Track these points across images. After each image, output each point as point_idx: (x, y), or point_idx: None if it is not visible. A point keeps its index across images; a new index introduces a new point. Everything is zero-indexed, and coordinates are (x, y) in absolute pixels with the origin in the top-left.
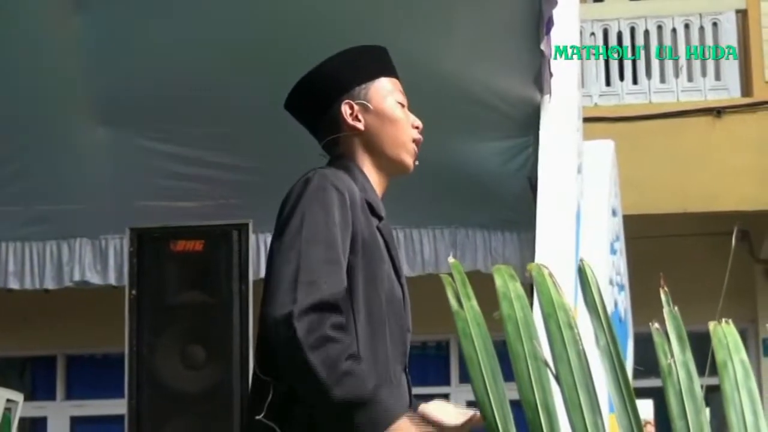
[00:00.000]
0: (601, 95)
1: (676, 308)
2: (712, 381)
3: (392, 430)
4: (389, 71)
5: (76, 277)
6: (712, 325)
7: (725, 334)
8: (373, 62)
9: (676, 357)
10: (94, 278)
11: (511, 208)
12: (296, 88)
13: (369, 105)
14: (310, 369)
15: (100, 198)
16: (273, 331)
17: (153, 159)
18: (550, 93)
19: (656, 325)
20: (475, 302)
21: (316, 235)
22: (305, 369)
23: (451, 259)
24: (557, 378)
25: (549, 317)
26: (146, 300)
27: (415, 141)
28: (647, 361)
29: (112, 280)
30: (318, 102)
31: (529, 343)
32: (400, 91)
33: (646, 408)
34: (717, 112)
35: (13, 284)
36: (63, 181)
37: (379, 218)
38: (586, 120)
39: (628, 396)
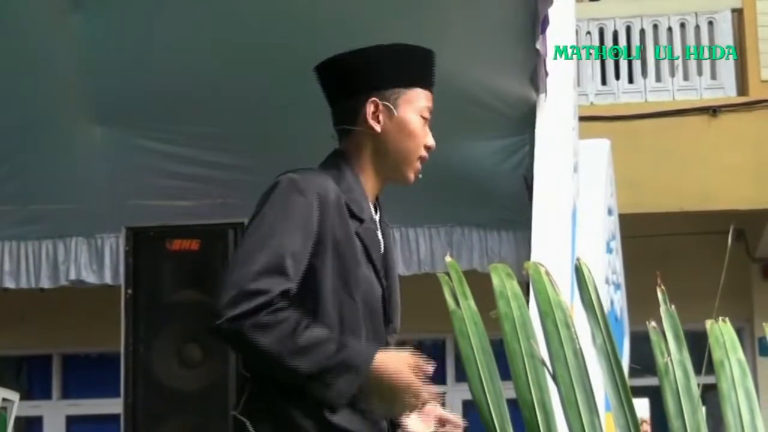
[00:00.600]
0: (597, 94)
1: (673, 307)
2: (709, 380)
3: (376, 370)
4: (427, 82)
5: (72, 276)
6: (709, 323)
7: (722, 332)
8: (416, 68)
9: (673, 356)
10: (90, 277)
11: (507, 207)
12: (335, 61)
13: (395, 111)
14: (268, 354)
15: (96, 197)
16: (216, 331)
17: (149, 158)
18: (545, 92)
19: (653, 323)
20: (472, 301)
21: (263, 243)
22: (265, 355)
23: (448, 258)
24: (554, 377)
25: (546, 316)
26: (142, 299)
27: (422, 159)
28: (643, 359)
29: (108, 279)
30: (348, 86)
31: (526, 341)
32: (429, 106)
33: (642, 407)
34: (713, 111)
35: (9, 283)
36: (59, 180)
37: (360, 221)
38: (582, 119)
39: (624, 394)
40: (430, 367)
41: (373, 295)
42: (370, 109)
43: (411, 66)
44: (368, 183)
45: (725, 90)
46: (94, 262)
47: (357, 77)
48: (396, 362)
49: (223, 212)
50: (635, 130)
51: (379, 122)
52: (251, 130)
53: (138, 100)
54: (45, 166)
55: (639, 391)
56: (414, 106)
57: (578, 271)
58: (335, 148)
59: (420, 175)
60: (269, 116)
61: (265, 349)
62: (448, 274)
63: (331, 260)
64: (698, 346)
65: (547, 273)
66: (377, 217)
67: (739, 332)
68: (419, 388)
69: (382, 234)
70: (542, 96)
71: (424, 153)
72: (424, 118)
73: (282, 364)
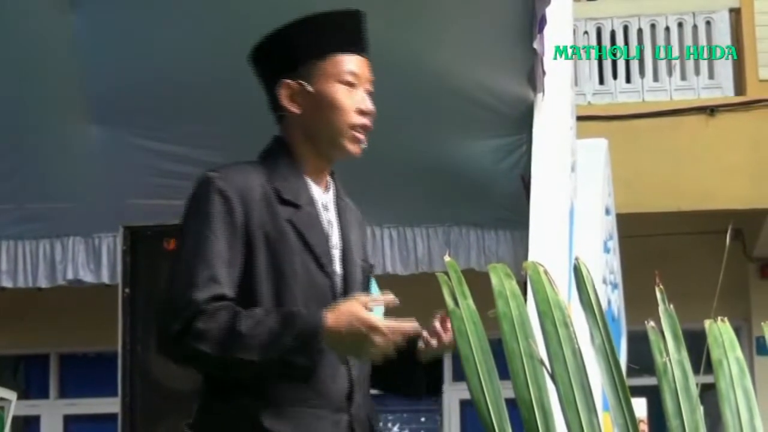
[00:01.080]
0: (594, 93)
1: (671, 307)
2: (707, 379)
3: (329, 330)
4: (346, 45)
5: (69, 276)
6: (707, 323)
7: (721, 332)
8: (331, 35)
9: (672, 356)
10: (88, 276)
11: (505, 206)
12: (254, 51)
13: (309, 88)
14: (218, 358)
15: (93, 196)
16: (165, 355)
17: (146, 157)
18: (543, 91)
19: (652, 323)
20: (471, 301)
21: (191, 257)
22: (216, 361)
23: (447, 258)
24: (553, 376)
25: (545, 316)
26: (140, 298)
27: (359, 126)
28: (640, 359)
29: (105, 278)
30: (266, 73)
31: (525, 341)
32: (354, 71)
33: (639, 406)
34: (710, 110)
35: (6, 283)
36: (56, 180)
37: (296, 206)
38: (580, 118)
39: (623, 394)
40: (384, 298)
41: (315, 288)
42: (283, 92)
43: (323, 35)
44: (309, 165)
45: (723, 90)
46: (92, 261)
47: (270, 62)
48: (347, 313)
49: None
50: (633, 130)
51: (296, 103)
52: (247, 129)
53: (134, 100)
54: (41, 165)
55: (636, 391)
56: (332, 75)
57: (577, 271)
58: (272, 139)
59: (364, 145)
60: (266, 116)
61: (212, 356)
62: (446, 273)
63: (265, 257)
64: (695, 345)
65: (546, 273)
66: (329, 197)
67: (736, 331)
68: (381, 329)
69: (339, 212)
70: (540, 95)
71: (357, 120)
72: (349, 83)
73: (236, 362)
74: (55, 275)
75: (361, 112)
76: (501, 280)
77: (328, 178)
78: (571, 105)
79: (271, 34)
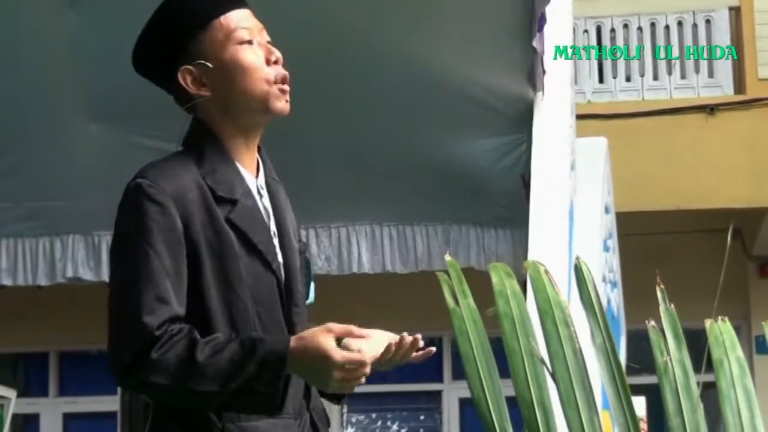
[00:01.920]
0: (594, 92)
1: (672, 306)
2: (707, 378)
3: (294, 360)
4: (222, 4)
5: (69, 274)
6: (708, 323)
7: (721, 332)
8: (199, 3)
9: (672, 354)
10: (87, 274)
11: (504, 205)
12: (135, 54)
13: (208, 63)
14: (177, 390)
15: (92, 194)
16: (122, 386)
17: (145, 155)
18: (543, 90)
19: (652, 323)
20: (471, 300)
21: (132, 276)
22: (176, 393)
23: (447, 257)
24: (553, 375)
25: (545, 315)
26: None
27: (277, 81)
28: (640, 358)
29: (104, 276)
30: (158, 72)
31: (526, 340)
32: (242, 26)
33: (638, 405)
34: (710, 109)
35: (6, 281)
36: (55, 178)
37: (233, 203)
38: (579, 117)
39: (624, 393)
40: (356, 332)
41: (262, 289)
42: (187, 79)
43: (196, 5)
44: (235, 145)
45: (723, 88)
46: (91, 259)
47: (155, 60)
48: (311, 344)
49: None
50: (632, 129)
51: (204, 84)
52: None
53: (134, 98)
54: (41, 163)
55: (636, 390)
56: (225, 41)
57: (578, 270)
58: (190, 125)
59: (288, 98)
60: None
61: (171, 389)
62: (446, 272)
63: (209, 264)
64: (695, 344)
65: (547, 272)
66: (261, 180)
67: (736, 330)
68: (343, 366)
69: (271, 196)
70: (539, 94)
71: (270, 74)
72: (245, 41)
73: (195, 393)
74: (54, 273)
75: (272, 63)
76: (502, 279)
77: (257, 156)
78: (571, 104)
79: (143, 32)
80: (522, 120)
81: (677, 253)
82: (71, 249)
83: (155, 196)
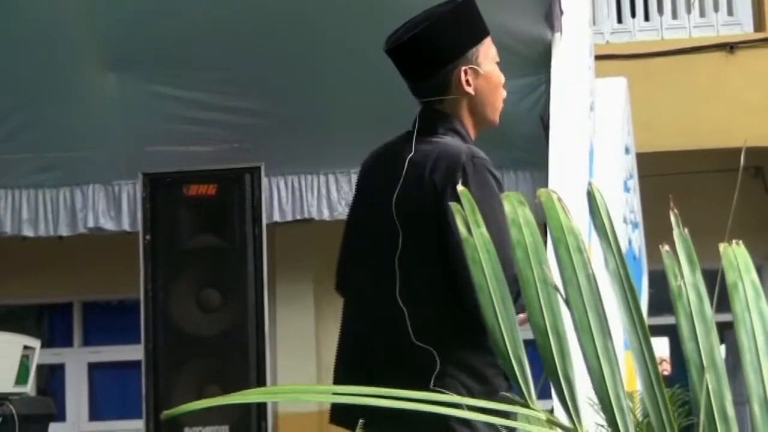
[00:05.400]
0: (612, 32)
1: (686, 230)
2: (725, 317)
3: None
4: (486, 28)
5: (90, 224)
6: (722, 246)
7: (736, 255)
8: (477, 20)
9: (686, 279)
10: (108, 224)
11: (524, 147)
12: (412, 43)
13: (480, 70)
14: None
15: (112, 144)
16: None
17: (164, 104)
18: (561, 31)
19: (666, 248)
20: (484, 229)
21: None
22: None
23: (459, 187)
24: (567, 302)
25: (558, 242)
26: (160, 245)
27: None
28: (661, 298)
29: (125, 225)
30: (430, 65)
31: (539, 268)
32: (496, 50)
33: (661, 345)
34: (729, 47)
35: (28, 231)
36: (75, 128)
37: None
38: (598, 58)
39: (639, 320)
40: None
41: None
42: (462, 77)
43: (473, 21)
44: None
45: (742, 26)
46: (112, 208)
47: (436, 54)
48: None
49: (240, 157)
50: (652, 68)
51: (470, 85)
52: (267, 74)
53: (152, 47)
54: (60, 114)
55: (658, 330)
56: (490, 57)
57: (590, 197)
58: (431, 114)
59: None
60: (287, 60)
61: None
62: (460, 203)
63: None
64: (715, 285)
65: (560, 199)
66: None
67: (757, 270)
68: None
69: None
70: (558, 35)
71: (504, 95)
72: (497, 62)
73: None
74: (76, 223)
75: (505, 88)
76: (514, 207)
77: None
78: (590, 44)
79: (427, 27)
80: (540, 62)
81: (697, 193)
82: (92, 199)
83: (490, 168)
